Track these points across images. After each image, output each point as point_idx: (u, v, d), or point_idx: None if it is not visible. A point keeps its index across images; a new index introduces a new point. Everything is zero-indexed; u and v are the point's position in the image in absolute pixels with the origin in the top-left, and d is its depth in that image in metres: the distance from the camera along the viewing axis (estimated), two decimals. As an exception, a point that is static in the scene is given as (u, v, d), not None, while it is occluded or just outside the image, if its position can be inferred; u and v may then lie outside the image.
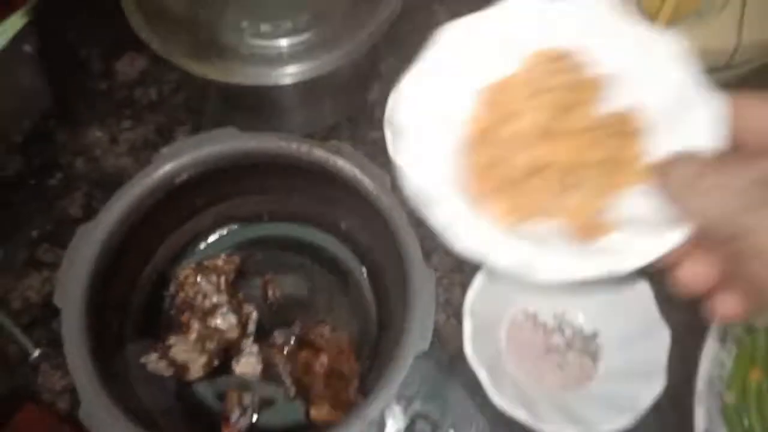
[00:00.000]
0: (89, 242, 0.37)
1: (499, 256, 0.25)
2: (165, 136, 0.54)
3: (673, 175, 0.24)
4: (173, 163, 0.39)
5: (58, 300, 0.35)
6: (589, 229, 0.26)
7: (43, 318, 0.45)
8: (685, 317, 0.45)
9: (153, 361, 0.40)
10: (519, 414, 0.39)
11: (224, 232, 0.47)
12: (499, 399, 0.39)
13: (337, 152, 0.40)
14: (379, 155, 0.52)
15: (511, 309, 0.45)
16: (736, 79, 0.54)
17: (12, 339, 0.44)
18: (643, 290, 0.42)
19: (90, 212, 0.50)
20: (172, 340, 0.40)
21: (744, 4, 0.49)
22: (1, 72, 0.46)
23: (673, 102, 0.26)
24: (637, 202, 0.26)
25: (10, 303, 0.46)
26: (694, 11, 0.49)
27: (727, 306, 0.24)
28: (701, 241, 0.24)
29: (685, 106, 0.26)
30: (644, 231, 0.25)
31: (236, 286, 0.44)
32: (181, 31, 0.45)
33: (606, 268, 0.25)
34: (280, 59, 0.45)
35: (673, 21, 0.49)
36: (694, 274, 0.25)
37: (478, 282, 0.43)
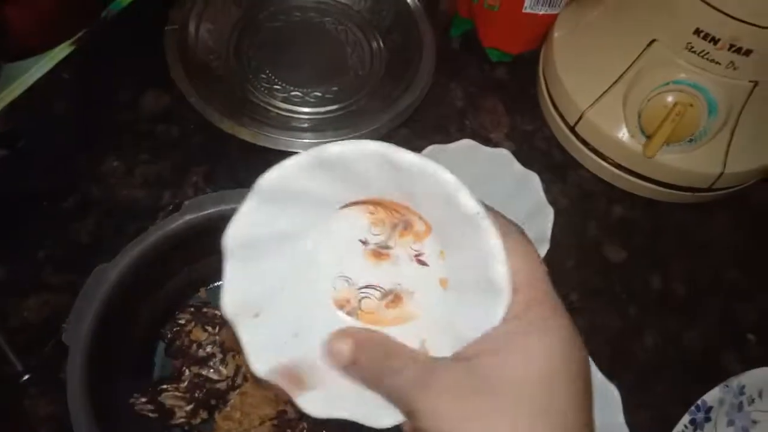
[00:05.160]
0: (103, 283, 0.39)
1: None
2: (179, 174, 0.56)
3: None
4: (195, 215, 0.42)
5: (66, 338, 0.37)
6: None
7: (38, 340, 0.46)
8: (645, 423, 0.49)
9: (141, 403, 0.42)
10: None
11: (226, 280, 0.49)
12: None
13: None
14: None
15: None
16: (714, 201, 0.59)
17: (4, 359, 0.45)
18: (614, 399, 0.45)
19: (97, 239, 0.52)
20: (164, 386, 0.41)
21: (731, 138, 0.54)
22: (40, 96, 0.48)
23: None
24: None
25: (8, 321, 0.47)
26: (688, 137, 0.54)
27: None
28: None
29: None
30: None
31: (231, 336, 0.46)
32: (217, 86, 0.48)
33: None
34: (305, 129, 0.48)
35: (668, 142, 0.54)
36: None
37: None
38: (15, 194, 0.49)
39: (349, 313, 0.27)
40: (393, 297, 0.27)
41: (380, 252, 0.27)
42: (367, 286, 0.27)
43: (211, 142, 0.57)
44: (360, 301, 0.27)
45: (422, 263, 0.26)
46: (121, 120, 0.58)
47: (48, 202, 0.53)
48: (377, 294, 0.27)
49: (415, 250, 0.26)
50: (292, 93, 0.49)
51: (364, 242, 0.26)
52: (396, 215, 0.26)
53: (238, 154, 0.54)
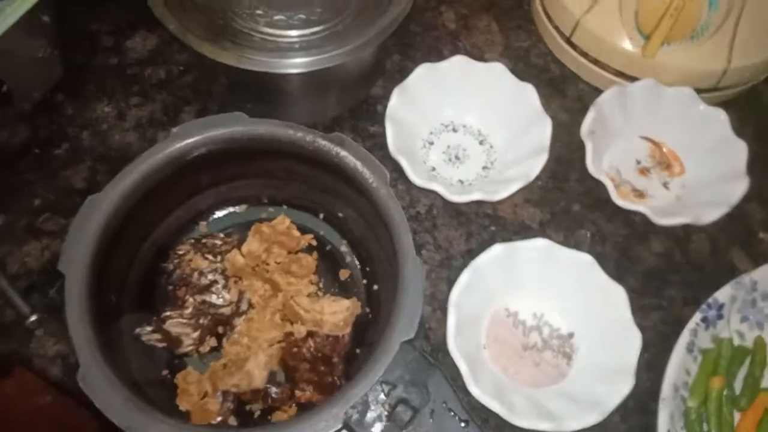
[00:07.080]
0: (96, 212, 0.38)
1: None
2: (171, 115, 0.55)
3: None
4: (182, 142, 0.41)
5: (62, 266, 0.37)
6: None
7: (40, 284, 0.46)
8: (656, 326, 0.48)
9: (147, 333, 0.42)
10: (494, 406, 0.41)
11: (224, 212, 0.49)
12: (476, 390, 0.41)
13: (341, 144, 0.42)
14: (378, 149, 0.54)
15: (493, 306, 0.48)
16: (721, 102, 0.57)
17: (9, 302, 0.45)
18: (620, 297, 0.44)
19: (93, 184, 0.51)
20: (168, 313, 0.41)
21: (735, 31, 0.51)
22: (19, 39, 0.47)
23: None
24: None
25: (8, 268, 0.47)
26: (689, 34, 0.51)
27: None
28: None
29: None
30: None
31: (232, 265, 0.46)
32: (197, 14, 0.47)
33: None
34: (291, 49, 0.46)
35: (668, 41, 0.52)
36: None
37: (463, 278, 0.45)
38: (4, 142, 0.49)
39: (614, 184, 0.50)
40: (639, 194, 0.53)
41: (645, 171, 0.54)
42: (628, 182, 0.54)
43: (200, 80, 0.56)
44: (619, 186, 0.53)
45: (666, 188, 0.53)
46: (107, 64, 0.57)
47: (40, 150, 0.52)
48: (630, 186, 0.53)
49: (665, 181, 0.53)
50: (275, 17, 0.48)
51: (639, 162, 0.54)
52: (665, 156, 0.54)
53: (225, 85, 0.53)
